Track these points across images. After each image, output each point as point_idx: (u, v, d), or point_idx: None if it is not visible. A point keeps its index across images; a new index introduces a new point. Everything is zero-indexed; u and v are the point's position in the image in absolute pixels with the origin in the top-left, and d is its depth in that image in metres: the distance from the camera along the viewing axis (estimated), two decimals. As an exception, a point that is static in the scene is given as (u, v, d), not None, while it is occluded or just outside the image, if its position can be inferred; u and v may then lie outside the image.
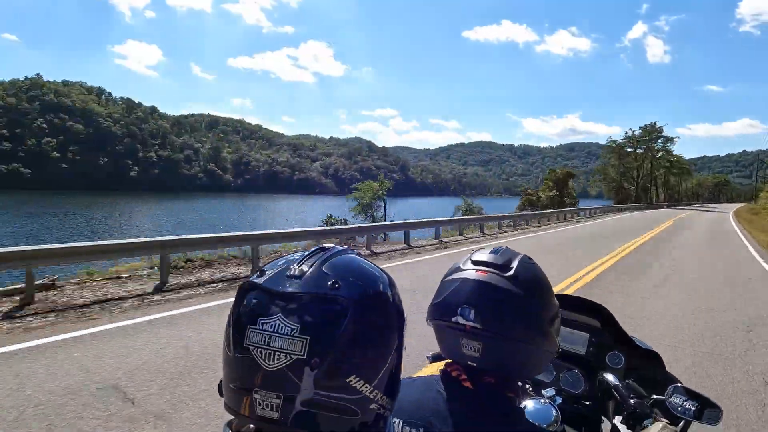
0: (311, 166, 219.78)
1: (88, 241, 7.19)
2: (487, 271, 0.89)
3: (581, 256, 11.06)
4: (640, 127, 67.47)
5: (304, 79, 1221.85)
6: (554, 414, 0.93)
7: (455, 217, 20.54)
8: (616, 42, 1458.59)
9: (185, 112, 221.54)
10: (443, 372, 0.91)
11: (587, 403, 1.32)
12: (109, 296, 6.47)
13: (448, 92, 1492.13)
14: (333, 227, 13.08)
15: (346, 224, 17.70)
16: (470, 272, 0.90)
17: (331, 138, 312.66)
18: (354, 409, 0.58)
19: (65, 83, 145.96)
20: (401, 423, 0.82)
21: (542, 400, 0.95)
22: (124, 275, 7.82)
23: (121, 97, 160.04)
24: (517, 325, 0.85)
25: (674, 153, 69.99)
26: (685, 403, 1.11)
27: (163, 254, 7.41)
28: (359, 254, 0.68)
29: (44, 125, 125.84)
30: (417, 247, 12.91)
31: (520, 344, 0.86)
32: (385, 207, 25.68)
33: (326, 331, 0.55)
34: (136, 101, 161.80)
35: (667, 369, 1.34)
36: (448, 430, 0.80)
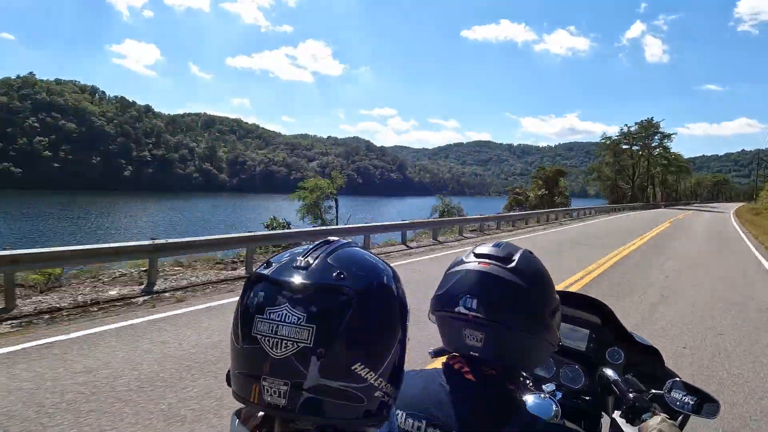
0: (308, 166, 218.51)
1: (73, 245, 6.93)
2: (490, 263, 0.91)
3: (548, 271, 9.41)
4: (636, 123, 64.97)
5: (303, 79, 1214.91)
6: (554, 409, 0.97)
7: (427, 219, 18.34)
8: (615, 41, 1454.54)
9: (182, 112, 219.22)
10: (445, 364, 0.92)
11: (587, 398, 1.33)
12: (92, 300, 6.21)
13: (447, 92, 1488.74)
14: (266, 233, 10.76)
15: (289, 227, 16.07)
16: (473, 264, 0.92)
17: (329, 137, 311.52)
18: (360, 396, 0.60)
19: (58, 82, 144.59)
20: (404, 414, 0.83)
21: (542, 395, 0.99)
22: (107, 279, 7.60)
23: (115, 96, 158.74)
24: (518, 315, 0.87)
25: (672, 150, 68.21)
26: (683, 398, 1.14)
27: (151, 258, 7.22)
28: (363, 247, 0.71)
29: (36, 124, 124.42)
30: (379, 255, 11.50)
31: (521, 334, 0.87)
32: (337, 208, 22.28)
33: (332, 320, 0.58)
34: (130, 100, 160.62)
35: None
36: (450, 422, 0.82)
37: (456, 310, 0.88)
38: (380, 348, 0.62)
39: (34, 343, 4.45)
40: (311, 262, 0.61)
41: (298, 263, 0.62)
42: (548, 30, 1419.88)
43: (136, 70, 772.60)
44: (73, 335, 4.76)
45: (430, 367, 1.01)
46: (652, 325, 5.82)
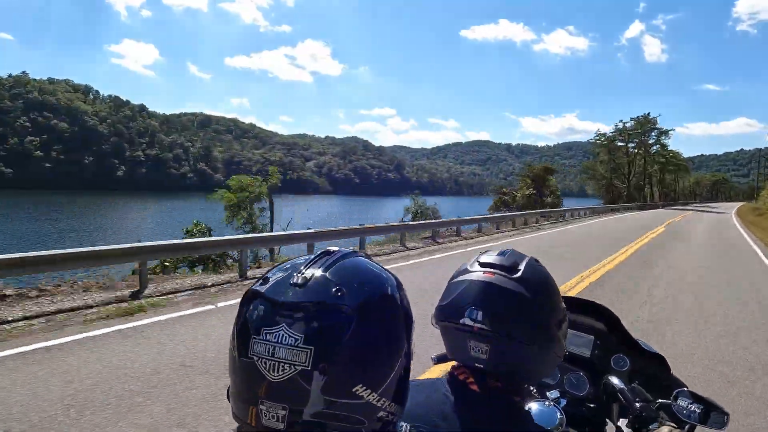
0: (305, 166, 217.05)
1: (54, 249, 6.43)
2: (495, 273, 0.89)
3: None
4: (632, 119, 61.75)
5: (302, 79, 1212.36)
6: (559, 416, 0.95)
7: (387, 224, 14.90)
8: (614, 41, 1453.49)
9: (178, 112, 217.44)
10: (450, 375, 0.92)
11: (591, 405, 1.30)
12: (74, 306, 5.91)
13: (447, 92, 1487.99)
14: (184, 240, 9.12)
15: (210, 234, 13.45)
16: (478, 274, 0.90)
17: (327, 137, 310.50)
18: (360, 418, 0.57)
19: (51, 81, 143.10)
20: (408, 426, 0.81)
21: (547, 403, 0.98)
22: (94, 283, 7.25)
23: (109, 95, 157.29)
24: (524, 327, 0.85)
25: (670, 148, 65.92)
26: (690, 407, 1.11)
27: (141, 261, 7.03)
28: (366, 255, 0.67)
29: (27, 124, 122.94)
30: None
31: (527, 346, 0.86)
32: (272, 211, 18.85)
33: (331, 341, 0.55)
34: (124, 99, 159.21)
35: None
36: None
37: (461, 321, 0.86)
38: (383, 367, 0.59)
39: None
40: (309, 277, 0.58)
41: (294, 279, 0.58)
42: (547, 30, 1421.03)
43: (134, 70, 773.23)
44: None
45: (429, 372, 0.70)
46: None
